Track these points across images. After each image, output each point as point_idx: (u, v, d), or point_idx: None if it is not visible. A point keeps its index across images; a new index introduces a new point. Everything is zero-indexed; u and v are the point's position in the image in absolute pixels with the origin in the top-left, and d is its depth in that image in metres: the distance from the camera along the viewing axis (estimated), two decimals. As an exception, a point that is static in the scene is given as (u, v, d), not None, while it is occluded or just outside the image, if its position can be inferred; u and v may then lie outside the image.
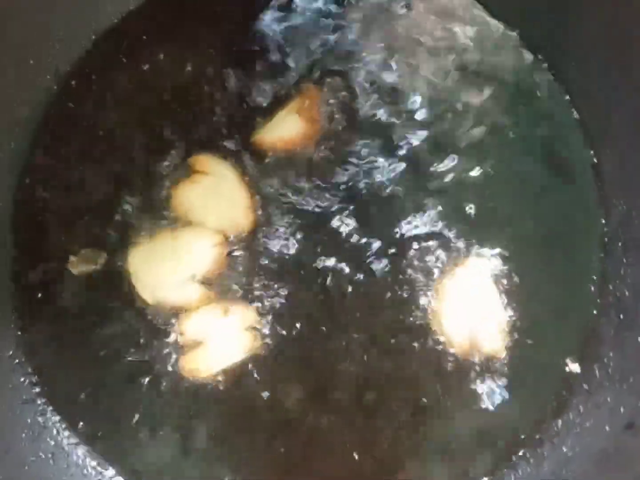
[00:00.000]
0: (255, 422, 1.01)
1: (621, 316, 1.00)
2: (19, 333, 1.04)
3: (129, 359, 1.02)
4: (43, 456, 1.00)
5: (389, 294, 1.02)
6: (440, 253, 1.03)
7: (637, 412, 0.93)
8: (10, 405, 1.01)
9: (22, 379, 1.02)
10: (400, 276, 1.02)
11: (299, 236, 1.04)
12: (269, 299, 1.03)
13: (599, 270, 1.03)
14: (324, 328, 1.02)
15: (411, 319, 1.01)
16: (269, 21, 1.08)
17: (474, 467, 1.00)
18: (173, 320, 1.02)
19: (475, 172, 1.04)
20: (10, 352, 1.03)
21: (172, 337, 1.02)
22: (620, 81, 1.00)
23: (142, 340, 1.02)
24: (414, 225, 1.03)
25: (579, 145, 1.06)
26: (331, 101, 1.05)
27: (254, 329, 1.02)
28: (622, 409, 0.96)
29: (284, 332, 1.02)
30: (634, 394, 0.96)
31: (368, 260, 1.03)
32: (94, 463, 1.02)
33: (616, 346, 1.00)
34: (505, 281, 1.02)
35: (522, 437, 1.00)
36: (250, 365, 1.01)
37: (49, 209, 1.06)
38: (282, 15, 1.08)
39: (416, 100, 1.06)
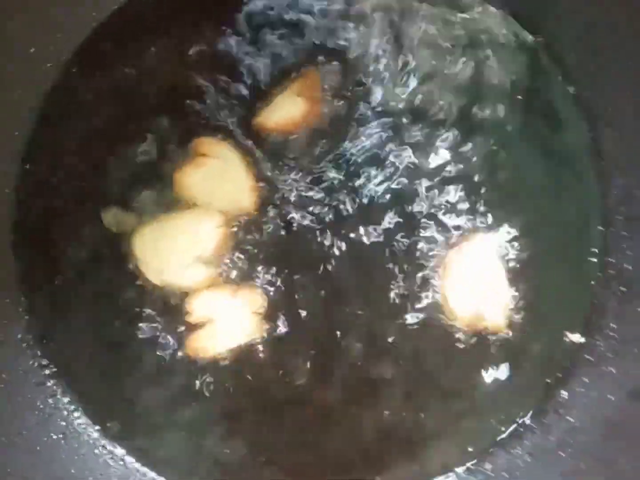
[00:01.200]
0: (263, 401, 1.02)
1: (623, 288, 1.02)
2: (27, 317, 1.05)
3: (137, 339, 1.03)
4: (55, 437, 1.02)
5: (394, 271, 1.03)
6: (446, 229, 1.03)
7: (641, 381, 0.95)
8: (21, 388, 1.02)
9: (31, 362, 1.04)
10: (407, 252, 1.03)
11: (302, 216, 1.04)
12: (273, 280, 1.04)
13: (601, 244, 1.04)
14: (328, 307, 1.03)
15: (416, 294, 1.03)
16: (264, 4, 1.08)
17: (480, 440, 1.02)
18: (180, 302, 1.03)
19: (478, 150, 1.05)
20: (19, 336, 1.04)
21: (179, 318, 1.03)
22: (619, 58, 1.01)
23: (149, 322, 1.03)
24: (420, 201, 1.04)
25: (577, 122, 1.06)
26: (331, 82, 1.05)
27: (260, 311, 1.03)
28: (626, 379, 0.97)
29: (289, 312, 1.03)
30: (637, 364, 0.97)
31: (373, 237, 1.03)
32: (104, 442, 1.03)
33: (618, 318, 1.01)
34: (508, 256, 1.03)
35: (528, 408, 1.02)
36: (256, 346, 1.03)
37: (52, 197, 1.07)
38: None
39: (414, 79, 1.06)
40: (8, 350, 1.02)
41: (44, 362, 1.04)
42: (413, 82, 1.06)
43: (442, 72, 1.07)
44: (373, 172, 1.05)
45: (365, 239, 1.04)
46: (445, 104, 1.06)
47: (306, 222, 1.04)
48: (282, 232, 1.04)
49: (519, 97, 1.06)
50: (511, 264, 1.03)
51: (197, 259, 1.04)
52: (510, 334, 1.02)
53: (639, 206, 1.02)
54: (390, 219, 1.04)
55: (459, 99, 1.06)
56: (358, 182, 1.05)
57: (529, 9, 1.07)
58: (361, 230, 1.04)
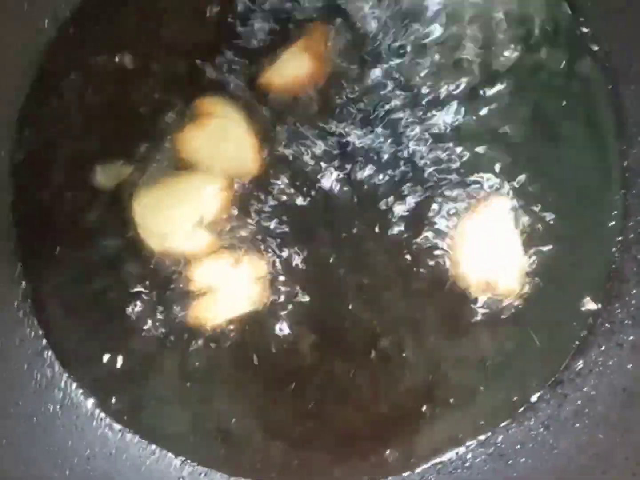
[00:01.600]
0: (267, 371, 1.00)
1: (643, 253, 0.98)
2: (24, 285, 1.01)
3: (136, 308, 1.00)
4: (51, 408, 0.99)
5: (403, 237, 0.99)
6: (460, 193, 1.00)
7: (661, 350, 0.92)
8: (18, 358, 0.99)
9: (28, 331, 1.01)
10: (418, 217, 0.99)
11: (308, 178, 1.00)
12: (278, 247, 1.00)
13: (620, 208, 1.01)
14: (335, 274, 1.00)
15: (427, 261, 0.99)
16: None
17: (493, 410, 1.00)
18: (181, 268, 1.00)
19: (495, 113, 1.01)
20: (16, 305, 1.01)
21: (180, 286, 1.00)
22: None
23: (149, 289, 1.00)
24: (433, 164, 1.00)
25: (599, 82, 1.02)
26: (339, 38, 1.01)
27: (264, 279, 1.00)
28: (644, 347, 0.94)
29: (294, 280, 1.00)
30: (656, 332, 0.94)
31: (382, 203, 1.00)
32: (102, 415, 1.01)
33: (638, 284, 0.98)
34: (525, 221, 1.00)
35: (543, 378, 1.00)
36: (259, 315, 1.00)
37: (50, 162, 1.03)
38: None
39: (429, 31, 1.01)
40: (4, 319, 0.99)
41: (41, 331, 1.01)
42: (424, 40, 1.01)
43: (455, 32, 1.02)
44: (382, 133, 1.01)
45: (374, 204, 1.00)
46: (458, 64, 1.01)
47: (312, 184, 1.00)
48: (287, 196, 1.00)
49: (540, 57, 1.02)
50: (527, 229, 0.99)
51: (199, 224, 1.00)
52: (525, 300, 0.99)
53: (659, 169, 0.99)
54: (400, 183, 1.00)
55: (475, 57, 1.01)
56: (367, 143, 1.00)
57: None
58: (370, 194, 1.00)
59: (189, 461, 1.00)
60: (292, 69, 1.01)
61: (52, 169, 1.02)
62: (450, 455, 0.99)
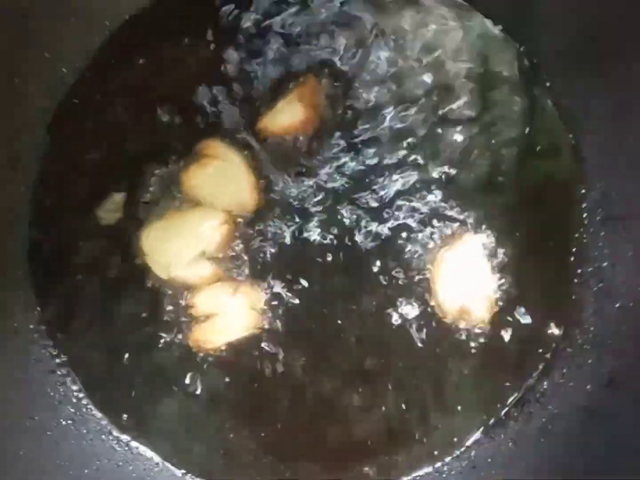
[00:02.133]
0: (262, 390, 1.08)
1: (600, 285, 1.08)
2: (39, 307, 1.10)
3: (143, 331, 1.09)
4: (64, 423, 1.07)
5: (385, 267, 1.09)
6: (435, 229, 1.09)
7: (616, 372, 1.01)
8: (33, 375, 1.07)
9: (42, 351, 1.09)
10: (399, 252, 1.09)
11: (301, 216, 1.10)
12: (272, 277, 1.09)
13: (580, 243, 1.10)
14: (324, 302, 1.09)
15: (406, 290, 1.08)
16: (269, 14, 1.15)
17: (465, 429, 1.08)
18: (185, 295, 1.09)
19: (465, 153, 1.11)
20: (31, 326, 1.09)
21: (183, 311, 1.09)
22: (598, 68, 1.07)
23: (155, 314, 1.09)
24: (410, 202, 1.10)
25: (559, 127, 1.12)
26: (330, 88, 1.12)
27: (259, 306, 1.09)
28: (602, 369, 1.03)
29: (287, 307, 1.09)
30: (612, 356, 1.03)
31: (366, 236, 1.10)
32: (111, 429, 1.08)
33: (596, 312, 1.07)
34: (493, 254, 1.09)
35: (510, 397, 1.08)
36: (255, 339, 1.08)
37: (64, 196, 1.13)
38: (280, 8, 1.15)
39: (410, 83, 1.13)
40: (21, 339, 1.07)
41: (55, 351, 1.09)
42: (407, 90, 1.13)
43: (433, 82, 1.13)
44: (369, 176, 1.11)
45: (360, 238, 1.10)
46: (435, 113, 1.13)
47: (304, 222, 1.10)
48: (282, 231, 1.10)
49: (502, 106, 1.13)
50: (496, 262, 1.09)
51: (202, 255, 1.09)
52: (493, 326, 1.08)
53: (616, 207, 1.08)
54: (384, 220, 1.10)
55: (447, 108, 1.13)
56: (355, 185, 1.11)
57: (513, 20, 1.13)
58: (356, 230, 1.10)
59: (189, 474, 1.08)
60: (287, 116, 1.11)
61: (66, 204, 1.12)
62: (427, 468, 1.07)
